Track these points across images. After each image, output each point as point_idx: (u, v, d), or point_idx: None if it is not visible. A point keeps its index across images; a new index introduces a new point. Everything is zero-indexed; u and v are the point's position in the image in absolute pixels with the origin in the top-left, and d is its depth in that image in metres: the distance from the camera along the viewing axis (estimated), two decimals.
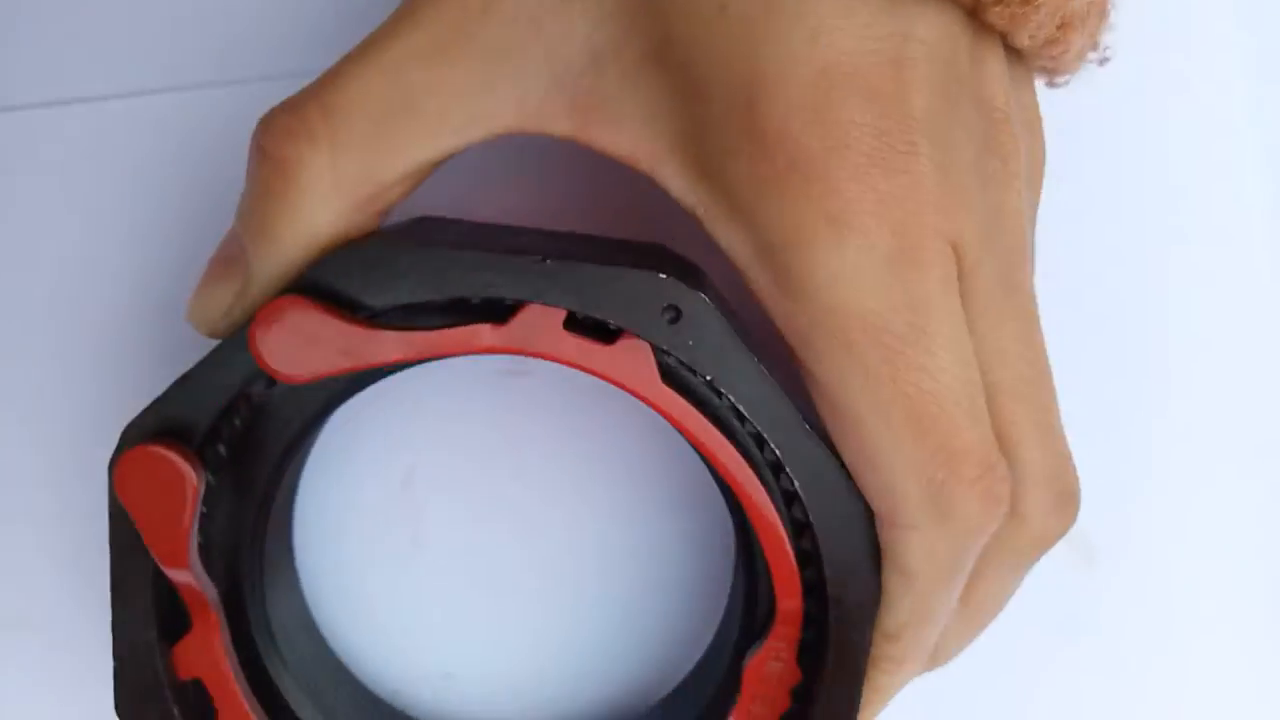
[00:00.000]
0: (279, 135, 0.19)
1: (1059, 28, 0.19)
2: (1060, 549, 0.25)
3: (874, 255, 0.17)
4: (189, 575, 0.19)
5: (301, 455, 0.22)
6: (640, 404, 0.23)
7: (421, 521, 0.25)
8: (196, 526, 0.19)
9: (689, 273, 0.20)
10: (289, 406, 0.20)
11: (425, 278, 0.18)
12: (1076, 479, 0.20)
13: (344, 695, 0.24)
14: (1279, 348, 0.26)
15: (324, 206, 0.19)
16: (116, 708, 0.21)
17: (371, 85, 0.18)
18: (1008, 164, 0.19)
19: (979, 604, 0.21)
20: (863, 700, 0.21)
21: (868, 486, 0.19)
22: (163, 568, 0.19)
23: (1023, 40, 0.18)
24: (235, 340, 0.19)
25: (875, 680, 0.21)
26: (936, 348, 0.18)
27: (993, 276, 0.19)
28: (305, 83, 0.19)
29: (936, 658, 0.21)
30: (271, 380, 0.19)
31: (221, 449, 0.20)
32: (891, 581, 0.20)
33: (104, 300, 0.25)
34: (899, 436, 0.18)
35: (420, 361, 0.19)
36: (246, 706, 0.21)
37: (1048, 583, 0.24)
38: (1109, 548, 0.26)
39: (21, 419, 0.25)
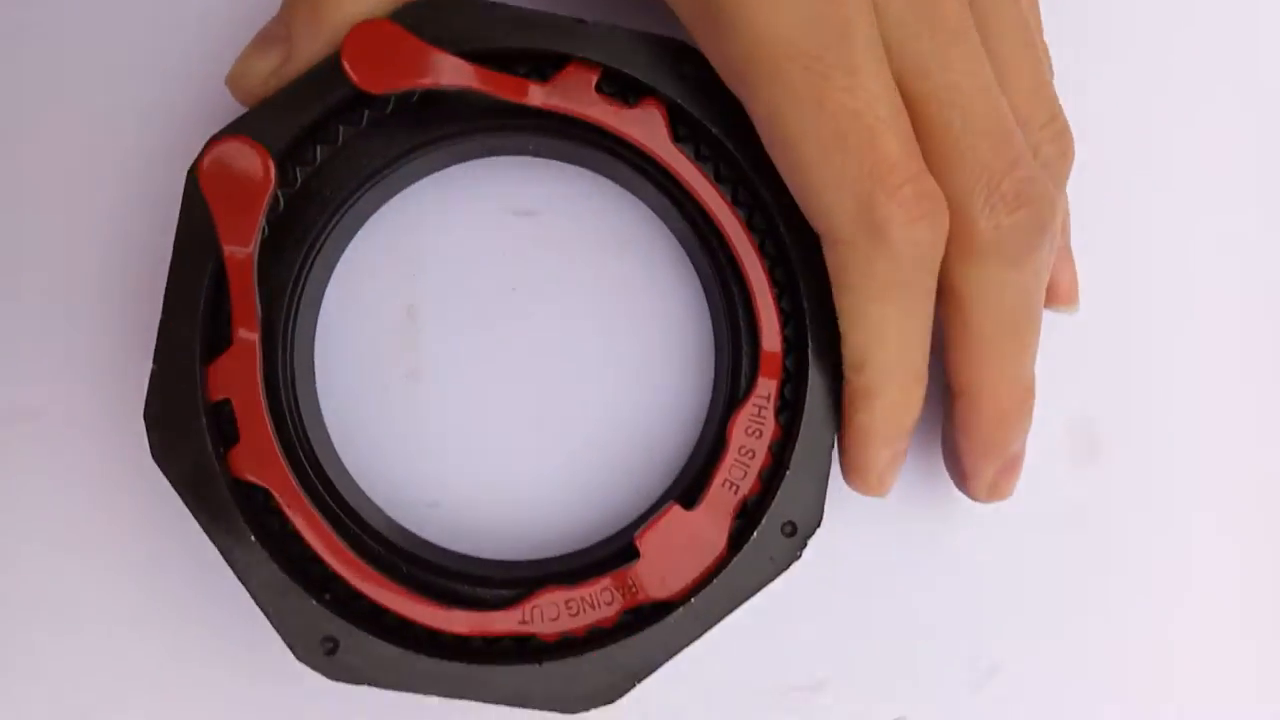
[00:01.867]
0: None
1: None
2: (1063, 441, 0.27)
3: None
4: (249, 258, 0.21)
5: (344, 233, 0.25)
6: (638, 225, 0.26)
7: (420, 355, 0.26)
8: (264, 219, 0.21)
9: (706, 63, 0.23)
10: (349, 164, 0.23)
11: (487, 26, 0.22)
12: (1027, 174, 0.21)
13: (344, 476, 0.25)
14: None
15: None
16: (145, 416, 0.22)
17: None
18: None
19: (979, 323, 0.22)
20: (849, 448, 0.22)
21: (809, 212, 0.21)
22: (227, 249, 0.21)
23: None
24: (317, 73, 0.22)
25: (854, 421, 0.22)
26: (857, 68, 0.20)
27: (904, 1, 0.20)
28: None
29: (960, 393, 0.22)
30: (350, 119, 0.23)
31: (293, 175, 0.23)
32: (841, 304, 0.22)
33: None
34: (827, 153, 0.20)
35: (473, 104, 0.23)
36: (270, 432, 0.22)
37: (1051, 474, 0.27)
38: (1113, 439, 0.27)
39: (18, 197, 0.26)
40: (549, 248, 0.27)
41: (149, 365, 0.22)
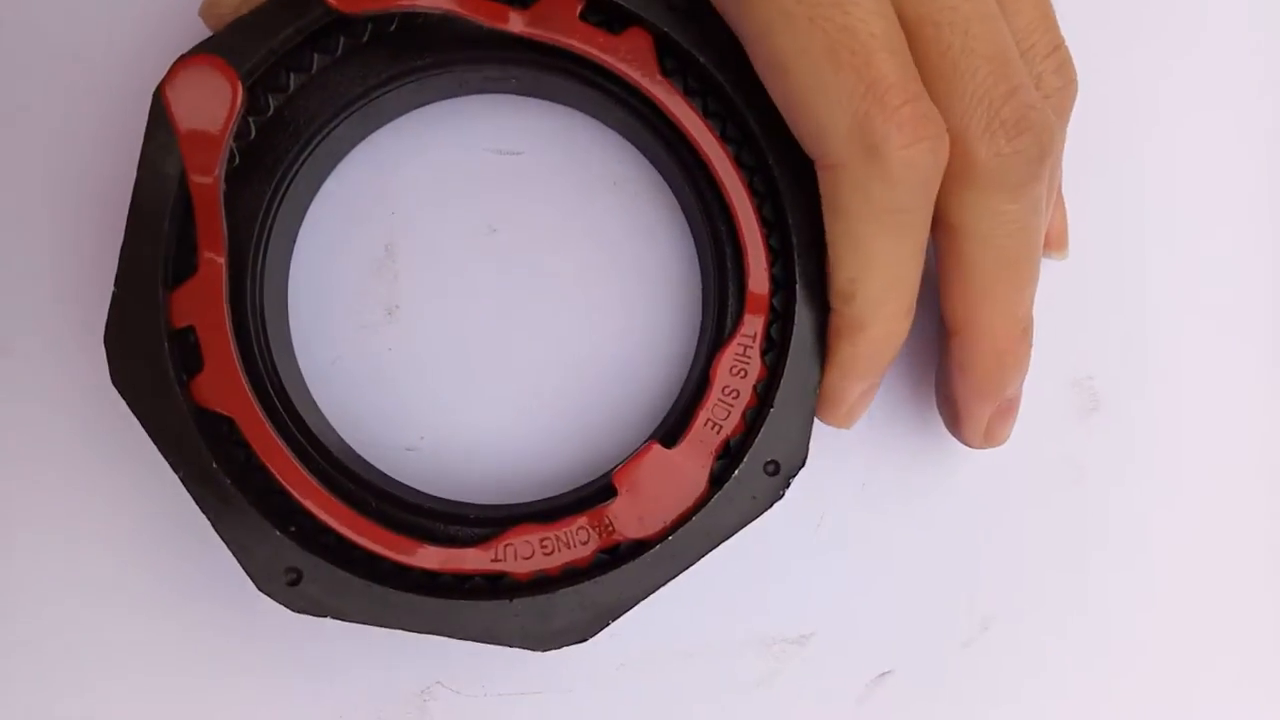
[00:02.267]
0: None
1: None
2: (1065, 396, 0.27)
3: None
4: (216, 189, 0.21)
5: (316, 172, 0.24)
6: (624, 164, 0.26)
7: (398, 294, 0.26)
8: (232, 143, 0.21)
9: None
10: (323, 92, 0.23)
11: None
12: (1027, 101, 0.20)
13: (314, 411, 0.24)
14: None
15: None
16: (106, 340, 0.21)
17: None
18: None
19: (975, 255, 0.21)
20: (830, 382, 0.22)
21: (802, 134, 0.20)
22: (192, 172, 0.21)
23: None
24: None
25: (839, 354, 0.21)
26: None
27: None
28: None
29: (956, 330, 0.22)
30: (327, 45, 0.22)
31: (262, 102, 0.22)
32: (833, 231, 0.21)
33: None
34: (820, 71, 0.19)
35: (460, 42, 0.22)
36: (235, 360, 0.22)
37: (1052, 429, 0.27)
38: (1113, 396, 0.27)
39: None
40: (532, 186, 0.26)
41: (98, 287, 0.22)
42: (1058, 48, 0.22)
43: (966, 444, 0.24)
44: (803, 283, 0.22)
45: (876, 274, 0.21)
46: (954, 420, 0.24)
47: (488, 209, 0.26)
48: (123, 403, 0.21)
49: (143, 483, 0.24)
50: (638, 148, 0.25)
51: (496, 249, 0.26)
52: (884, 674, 0.26)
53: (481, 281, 0.26)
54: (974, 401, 0.23)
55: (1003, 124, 0.20)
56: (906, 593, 0.26)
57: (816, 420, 0.22)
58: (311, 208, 0.26)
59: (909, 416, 0.26)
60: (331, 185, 0.26)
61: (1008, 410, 0.24)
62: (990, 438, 0.24)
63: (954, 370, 0.22)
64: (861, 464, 0.26)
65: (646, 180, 0.26)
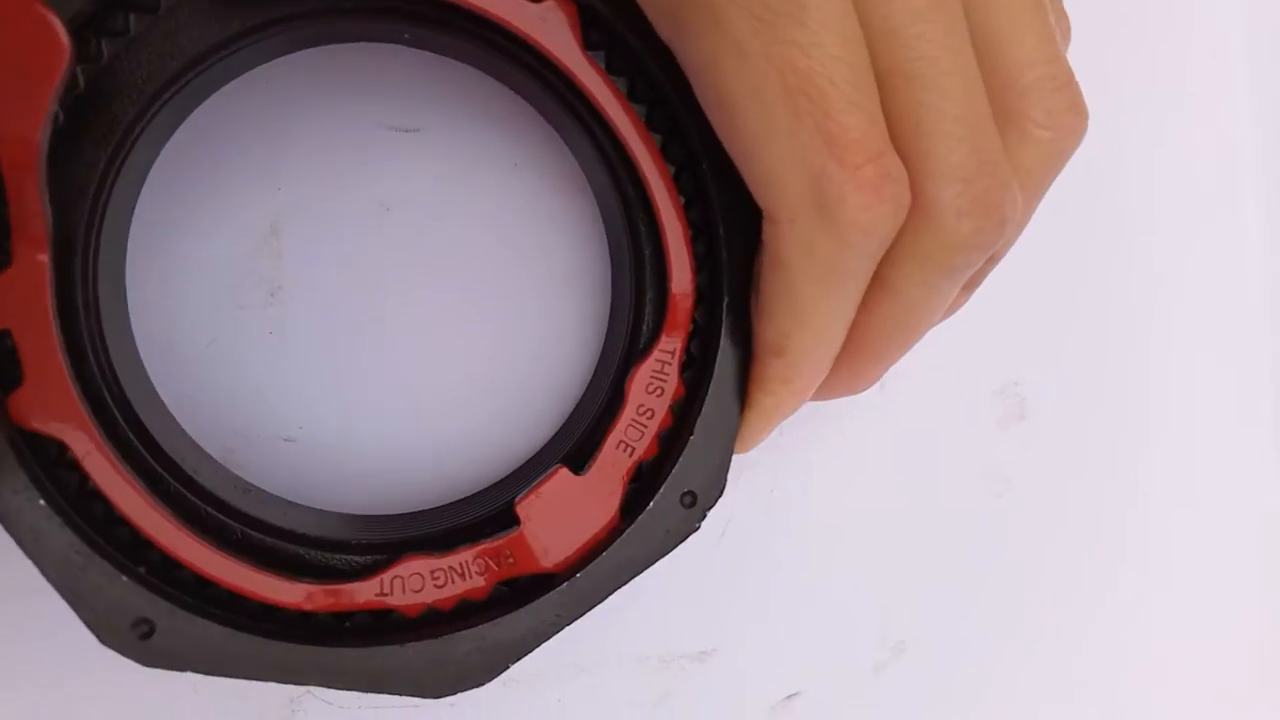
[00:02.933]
0: None
1: None
2: (989, 404, 0.26)
3: None
4: (36, 158, 0.17)
5: (162, 128, 0.20)
6: (533, 140, 0.23)
7: (282, 272, 0.23)
8: (57, 101, 0.17)
9: None
10: (165, 43, 0.19)
11: None
12: (1000, 180, 0.18)
13: (165, 421, 0.21)
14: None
15: None
16: None
17: None
18: None
19: (890, 317, 0.19)
20: (747, 423, 0.20)
21: (751, 180, 0.18)
22: (2, 144, 0.16)
23: None
24: None
25: (760, 403, 0.20)
26: (811, 20, 0.17)
27: None
28: None
29: (851, 381, 0.21)
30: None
31: (97, 50, 0.18)
32: (772, 284, 0.19)
33: None
34: (774, 118, 0.17)
35: None
36: (65, 371, 0.18)
37: (975, 439, 0.26)
38: (1038, 402, 0.26)
39: None
40: (431, 160, 0.23)
41: None
42: (1068, 83, 0.19)
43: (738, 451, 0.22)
44: (729, 298, 0.20)
45: (811, 332, 0.19)
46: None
47: (380, 184, 0.23)
48: None
49: None
50: (552, 125, 0.22)
51: (390, 229, 0.23)
52: (790, 696, 0.25)
53: (372, 264, 0.23)
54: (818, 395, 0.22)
55: (973, 201, 0.18)
56: (816, 611, 0.25)
57: None
58: (178, 176, 0.22)
59: (819, 422, 0.25)
60: (182, 147, 0.22)
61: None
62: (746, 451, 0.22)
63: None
64: (768, 472, 0.25)
65: (558, 160, 0.23)
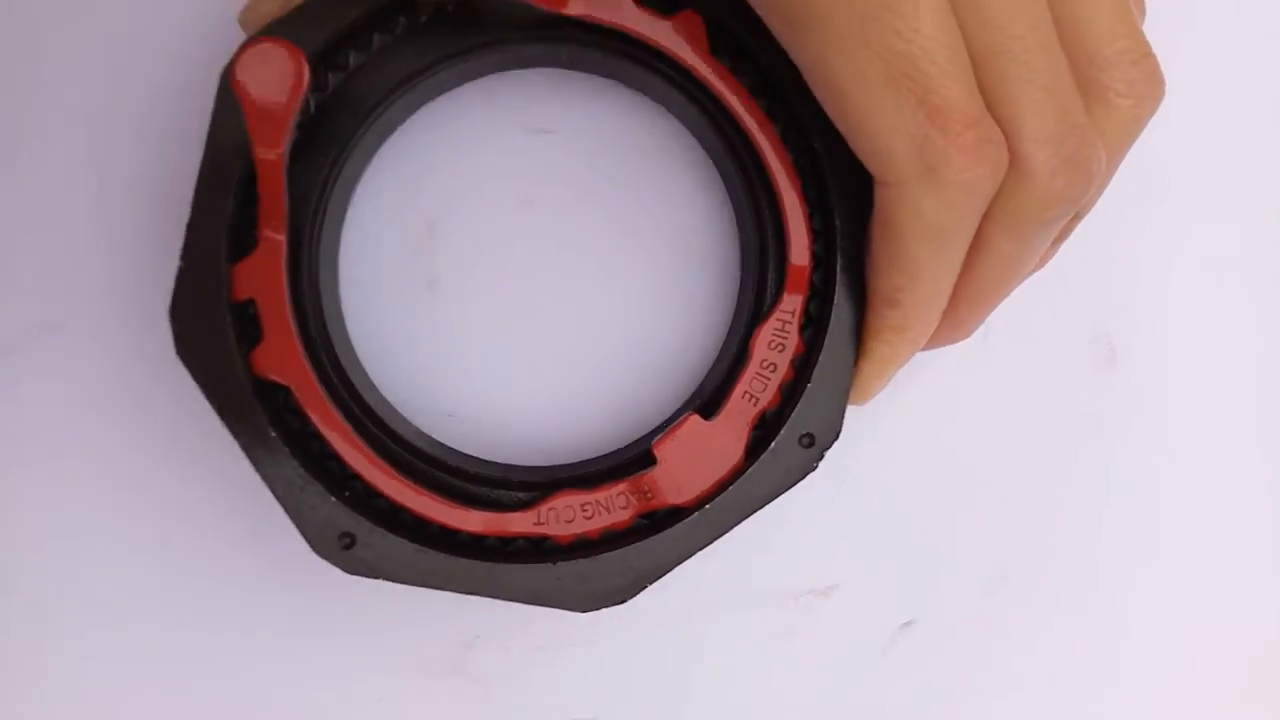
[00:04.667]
0: None
1: None
2: (1083, 349, 0.28)
3: None
4: (279, 158, 0.21)
5: (370, 147, 0.25)
6: (662, 138, 0.26)
7: (439, 265, 0.26)
8: (295, 119, 0.21)
9: None
10: (381, 71, 0.23)
11: None
12: (1086, 140, 0.20)
13: (365, 380, 0.25)
14: None
15: None
16: (171, 312, 0.22)
17: None
18: None
19: (988, 269, 0.21)
20: (865, 373, 0.23)
21: (862, 154, 0.20)
22: (259, 149, 0.21)
23: None
24: None
25: (877, 352, 0.22)
26: (915, 11, 0.19)
27: None
28: None
29: (954, 330, 0.23)
30: (386, 24, 0.23)
31: (324, 81, 0.23)
32: (885, 243, 0.21)
33: None
34: (880, 98, 0.19)
35: (516, 24, 0.23)
36: (293, 332, 0.22)
37: (1070, 383, 0.27)
38: (1129, 348, 0.28)
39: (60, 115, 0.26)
40: (568, 158, 0.26)
41: (170, 271, 0.23)
42: (1146, 55, 0.21)
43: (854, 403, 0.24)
44: (844, 264, 0.23)
45: (922, 285, 0.21)
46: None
47: (524, 183, 0.27)
48: (176, 375, 0.22)
49: (203, 452, 0.26)
50: (682, 122, 0.26)
51: (532, 222, 0.27)
52: (907, 624, 0.27)
53: (518, 254, 0.27)
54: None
55: (1063, 160, 0.20)
56: (928, 544, 0.27)
57: None
58: (359, 181, 0.26)
59: (931, 374, 0.27)
60: (377, 158, 0.26)
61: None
62: (865, 401, 0.24)
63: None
64: (886, 419, 0.27)
65: (685, 154, 0.26)
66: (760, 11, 0.21)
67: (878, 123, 0.20)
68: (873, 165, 0.21)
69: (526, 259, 0.27)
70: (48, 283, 0.26)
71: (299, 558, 0.23)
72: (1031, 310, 0.25)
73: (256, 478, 0.22)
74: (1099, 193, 0.21)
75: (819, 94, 0.21)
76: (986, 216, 0.21)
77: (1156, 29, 0.22)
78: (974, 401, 0.26)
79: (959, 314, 0.22)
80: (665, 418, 0.26)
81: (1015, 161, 0.20)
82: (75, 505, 0.26)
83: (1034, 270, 0.23)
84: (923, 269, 0.21)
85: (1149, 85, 0.21)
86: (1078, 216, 0.22)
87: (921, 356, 0.23)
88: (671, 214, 0.26)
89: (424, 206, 0.27)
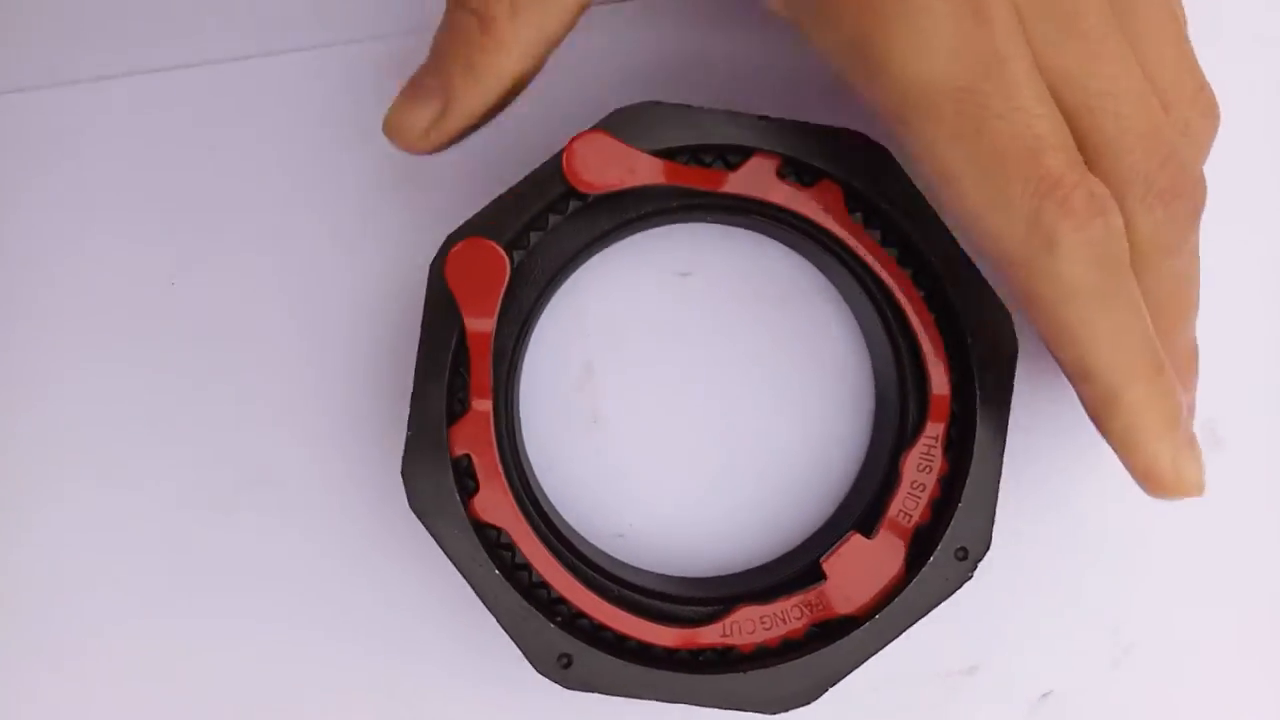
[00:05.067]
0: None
1: None
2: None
3: (940, 24, 0.20)
4: (488, 335, 0.25)
5: (543, 302, 0.28)
6: (796, 279, 0.29)
7: (600, 403, 0.30)
8: (501, 302, 0.25)
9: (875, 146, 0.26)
10: (556, 246, 0.27)
11: (684, 128, 0.25)
12: (1185, 168, 0.21)
13: (554, 512, 0.29)
14: None
15: (512, 55, 0.23)
16: (404, 473, 0.26)
17: None
18: None
19: (1164, 301, 0.22)
20: (1123, 453, 0.22)
21: (978, 241, 0.22)
22: (470, 326, 0.25)
23: None
24: (537, 174, 0.25)
25: (1113, 430, 0.22)
26: (1012, 92, 0.20)
27: (1046, 12, 0.21)
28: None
29: (1183, 369, 0.23)
30: (559, 209, 0.26)
31: (513, 258, 0.26)
32: (1039, 322, 0.22)
33: None
34: (989, 179, 0.20)
35: (671, 195, 0.26)
36: (504, 482, 0.26)
37: None
38: (1234, 435, 0.30)
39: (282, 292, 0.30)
40: (711, 299, 0.30)
41: (375, 428, 0.26)
42: (1202, 88, 0.23)
43: (1159, 490, 0.23)
44: (982, 393, 0.26)
45: (1099, 346, 0.22)
46: (1139, 470, 0.23)
47: (673, 322, 0.30)
48: (397, 524, 0.26)
49: (434, 587, 0.29)
50: (822, 271, 0.29)
51: (680, 356, 0.30)
52: (1045, 695, 0.30)
53: (670, 387, 0.30)
54: (1156, 441, 0.23)
55: (1159, 195, 0.21)
56: (1056, 621, 0.30)
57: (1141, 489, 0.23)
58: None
59: (1046, 461, 0.30)
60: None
61: (1189, 444, 0.23)
62: (1181, 481, 0.23)
63: None
64: (1011, 509, 0.29)
65: (815, 293, 0.30)
66: (871, 110, 0.22)
67: (990, 205, 0.21)
68: (991, 249, 0.22)
69: (677, 390, 0.30)
70: (271, 436, 0.30)
71: (515, 676, 0.27)
72: None
73: (483, 608, 0.26)
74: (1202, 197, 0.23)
75: (930, 186, 0.22)
76: (1139, 260, 0.22)
77: None
78: (1093, 485, 0.29)
79: (1172, 339, 0.23)
80: (815, 527, 0.30)
81: (1124, 205, 0.21)
82: (312, 632, 0.30)
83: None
84: (1090, 330, 0.22)
85: (1210, 119, 0.23)
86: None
87: (1035, 442, 0.26)
88: (807, 344, 0.30)
89: (582, 349, 0.30)
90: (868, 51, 0.21)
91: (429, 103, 0.24)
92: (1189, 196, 0.22)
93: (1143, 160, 0.22)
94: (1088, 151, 0.22)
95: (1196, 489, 0.23)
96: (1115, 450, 0.23)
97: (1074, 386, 0.23)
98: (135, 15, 0.30)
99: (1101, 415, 0.22)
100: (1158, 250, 0.22)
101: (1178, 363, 0.24)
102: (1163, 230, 0.22)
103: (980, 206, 0.21)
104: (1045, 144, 0.21)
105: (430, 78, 0.24)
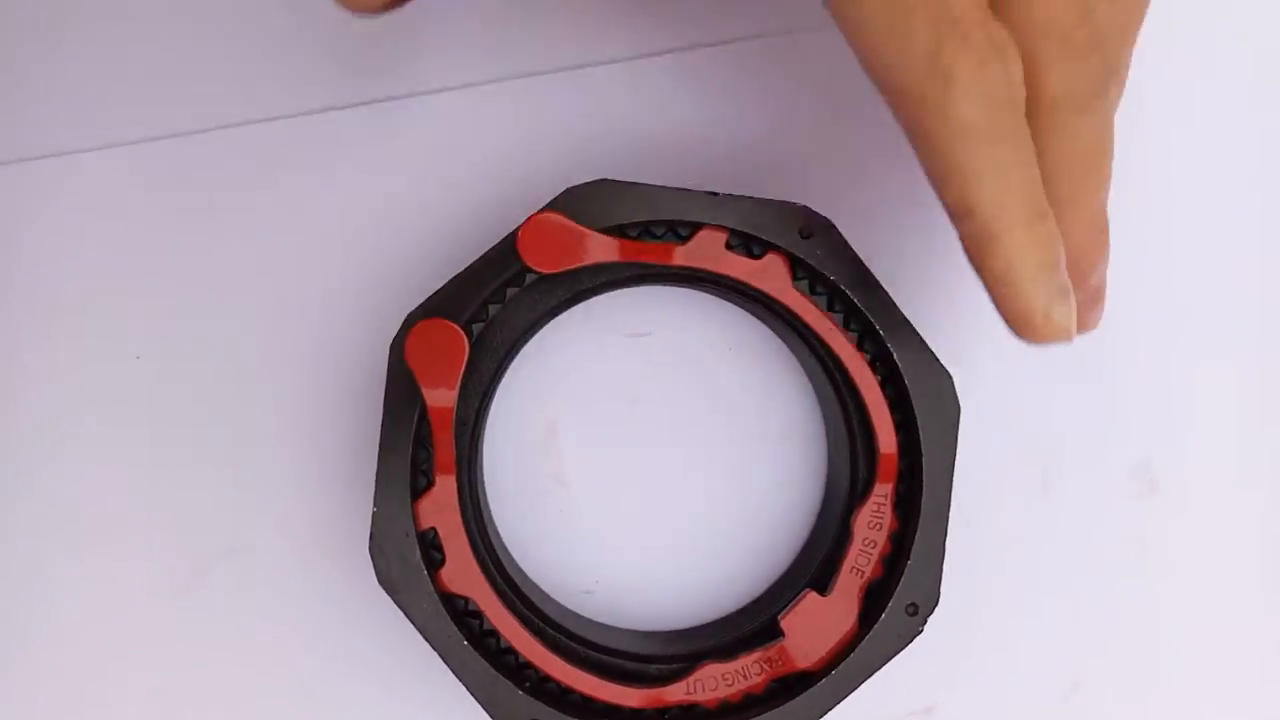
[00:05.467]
0: None
1: None
2: (1124, 481, 0.31)
3: None
4: (450, 410, 0.25)
5: (502, 371, 0.29)
6: (750, 339, 0.30)
7: (564, 464, 0.31)
8: (461, 379, 0.26)
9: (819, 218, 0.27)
10: (514, 317, 0.27)
11: (635, 204, 0.26)
12: (1103, 23, 0.21)
13: (520, 576, 0.29)
14: None
15: None
16: (371, 549, 0.26)
17: None
18: None
19: (1047, 175, 0.22)
20: (996, 296, 0.22)
21: (876, 72, 0.21)
22: (430, 401, 0.25)
23: None
24: (493, 253, 0.26)
25: (987, 269, 0.22)
26: None
27: None
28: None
29: (1081, 231, 0.23)
30: (515, 283, 0.27)
31: (471, 332, 0.27)
32: (925, 157, 0.22)
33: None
34: (897, 13, 0.20)
35: (624, 269, 0.27)
36: (470, 553, 0.27)
37: (1111, 511, 0.31)
38: (1170, 478, 0.31)
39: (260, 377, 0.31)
40: (668, 359, 0.31)
41: (341, 502, 0.27)
42: None
43: (1028, 334, 0.23)
44: (927, 454, 0.27)
45: (984, 184, 0.21)
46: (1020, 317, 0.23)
47: (629, 385, 0.31)
48: (357, 597, 0.26)
49: (403, 656, 0.30)
50: (773, 332, 0.30)
51: (640, 419, 0.31)
52: None
53: (631, 446, 0.31)
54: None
55: (1074, 48, 0.21)
56: (1007, 658, 0.31)
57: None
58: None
59: (993, 509, 0.31)
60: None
61: (1096, 297, 0.24)
62: (1083, 324, 0.24)
63: None
64: (960, 558, 0.30)
65: (769, 353, 0.31)
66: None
67: (889, 36, 0.21)
68: (887, 80, 0.21)
69: (637, 449, 0.31)
70: (239, 512, 0.30)
71: None
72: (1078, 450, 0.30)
73: (446, 677, 0.26)
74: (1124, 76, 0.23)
75: (840, 24, 0.22)
76: (1038, 106, 0.22)
77: None
78: (1036, 531, 0.30)
79: (1065, 208, 0.22)
80: (773, 579, 0.31)
81: (1029, 62, 0.21)
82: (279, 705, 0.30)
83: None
84: (972, 166, 0.21)
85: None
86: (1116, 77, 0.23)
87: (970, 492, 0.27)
88: (762, 402, 0.31)
89: (544, 412, 0.31)
90: None
91: None
92: (1105, 52, 0.22)
93: (1060, 13, 0.21)
94: (1000, 3, 0.21)
95: (1065, 334, 0.22)
96: (989, 291, 0.22)
97: (955, 225, 0.22)
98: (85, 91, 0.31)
99: (979, 255, 0.22)
100: (1069, 105, 0.22)
101: (1088, 232, 0.24)
102: (1076, 85, 0.22)
103: (883, 41, 0.21)
104: None
105: None
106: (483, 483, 0.30)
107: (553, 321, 0.29)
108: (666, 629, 0.31)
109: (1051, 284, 0.22)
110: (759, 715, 0.26)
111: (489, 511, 0.29)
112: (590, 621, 0.30)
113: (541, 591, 0.30)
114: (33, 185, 0.30)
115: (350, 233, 0.30)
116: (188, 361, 0.30)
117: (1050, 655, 0.31)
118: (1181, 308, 0.32)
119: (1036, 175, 0.22)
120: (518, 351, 0.28)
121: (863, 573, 0.27)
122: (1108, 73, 0.22)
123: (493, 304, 0.27)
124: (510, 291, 0.27)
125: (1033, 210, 0.22)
